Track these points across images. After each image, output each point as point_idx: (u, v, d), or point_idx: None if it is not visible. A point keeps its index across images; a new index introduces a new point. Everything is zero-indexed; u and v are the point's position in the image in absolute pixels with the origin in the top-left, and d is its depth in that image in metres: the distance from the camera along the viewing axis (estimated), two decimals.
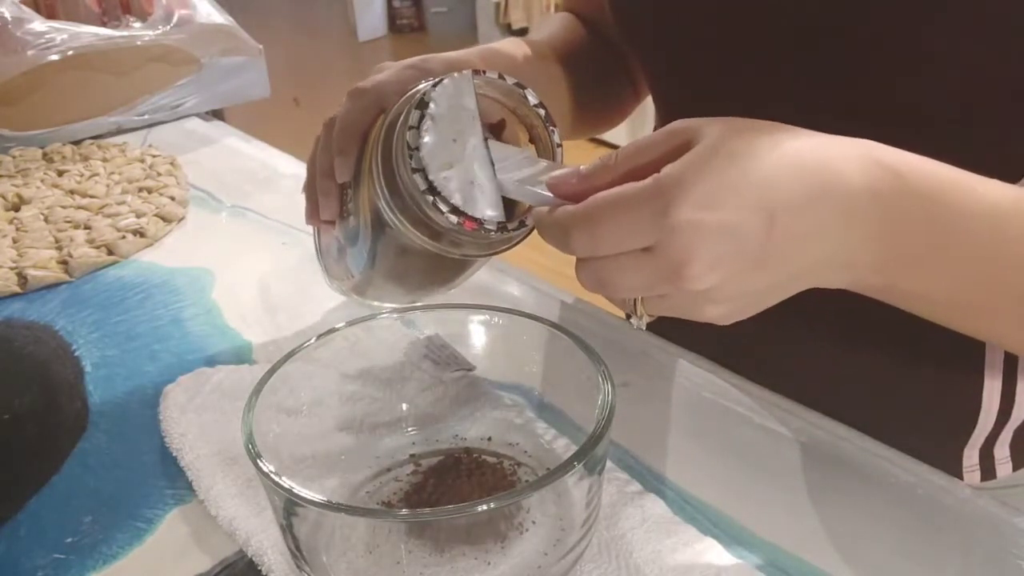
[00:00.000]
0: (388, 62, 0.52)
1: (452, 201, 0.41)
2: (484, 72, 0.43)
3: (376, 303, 0.56)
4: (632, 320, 0.38)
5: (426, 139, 0.41)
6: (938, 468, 0.49)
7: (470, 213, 0.41)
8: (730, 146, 0.35)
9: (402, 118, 0.42)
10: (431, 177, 0.40)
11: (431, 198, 0.40)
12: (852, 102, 0.50)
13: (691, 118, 0.37)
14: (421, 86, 0.43)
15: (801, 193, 0.35)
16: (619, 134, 2.68)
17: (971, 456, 0.58)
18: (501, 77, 0.44)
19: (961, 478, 0.59)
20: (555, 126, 0.45)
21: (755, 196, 0.34)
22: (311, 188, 0.53)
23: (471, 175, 0.41)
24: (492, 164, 0.42)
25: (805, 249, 0.36)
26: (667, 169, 0.35)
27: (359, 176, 0.48)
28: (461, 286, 0.53)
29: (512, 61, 0.59)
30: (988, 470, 0.59)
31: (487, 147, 0.42)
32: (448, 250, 0.44)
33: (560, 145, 0.45)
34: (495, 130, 0.45)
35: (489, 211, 0.42)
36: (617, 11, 0.60)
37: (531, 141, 0.46)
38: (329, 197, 0.52)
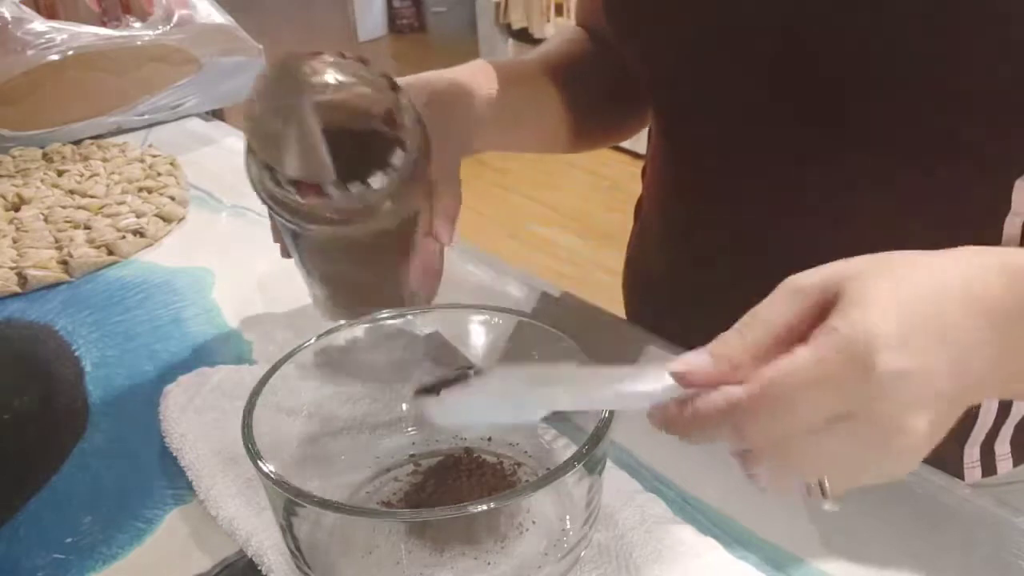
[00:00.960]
0: None
1: (287, 171, 0.41)
2: (321, 53, 0.44)
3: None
4: (824, 505, 0.34)
5: (256, 115, 0.42)
6: (939, 465, 0.49)
7: (303, 179, 0.41)
8: (889, 287, 0.32)
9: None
10: (261, 155, 0.41)
11: (267, 172, 0.41)
12: (852, 107, 0.50)
13: (802, 274, 0.34)
14: None
15: (966, 311, 0.33)
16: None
17: (972, 453, 0.58)
18: (341, 55, 0.44)
19: (962, 475, 0.59)
20: (398, 88, 0.45)
21: (936, 330, 0.32)
22: None
23: (299, 146, 0.41)
24: (322, 132, 0.42)
25: (976, 364, 0.34)
26: (842, 327, 0.31)
27: None
28: (459, 286, 0.53)
29: (479, 84, 0.59)
30: (989, 467, 0.59)
31: (317, 118, 0.42)
32: (332, 229, 0.45)
33: (411, 104, 0.45)
34: (387, 121, 0.45)
35: (323, 174, 0.41)
36: (613, 21, 0.61)
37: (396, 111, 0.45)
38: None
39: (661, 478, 0.48)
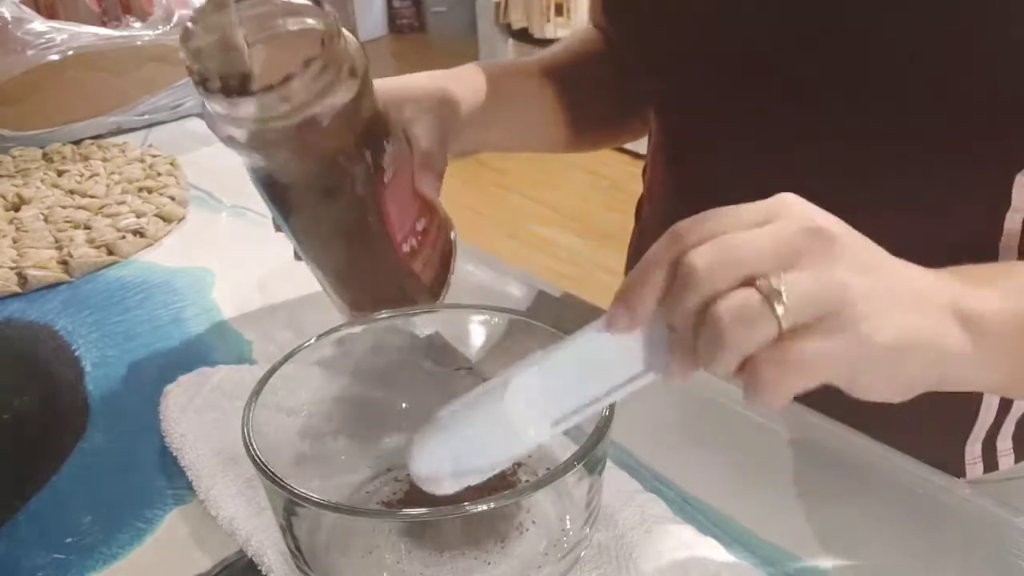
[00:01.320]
0: None
1: (210, 68, 0.43)
2: None
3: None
4: (777, 308, 0.32)
5: (189, 36, 0.44)
6: (941, 461, 0.49)
7: (226, 75, 0.43)
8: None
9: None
10: (194, 68, 0.44)
11: (202, 88, 0.43)
12: (852, 105, 0.50)
13: None
14: None
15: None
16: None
17: (973, 449, 0.58)
18: None
19: (964, 471, 0.59)
20: (322, 4, 0.46)
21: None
22: None
23: (222, 49, 0.44)
24: (245, 39, 0.44)
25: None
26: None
27: None
28: (459, 286, 0.53)
29: (474, 81, 0.59)
30: (990, 463, 0.59)
31: (240, 27, 0.44)
32: (287, 160, 0.47)
33: (334, 15, 0.46)
34: (308, 31, 0.46)
35: (242, 66, 0.43)
36: (612, 20, 0.61)
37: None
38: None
39: (661, 478, 0.48)
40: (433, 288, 0.57)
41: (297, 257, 0.57)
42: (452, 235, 0.59)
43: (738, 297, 0.32)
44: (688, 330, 0.33)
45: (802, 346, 0.32)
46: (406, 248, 0.53)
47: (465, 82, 0.58)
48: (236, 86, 0.43)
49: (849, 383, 0.33)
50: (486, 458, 0.37)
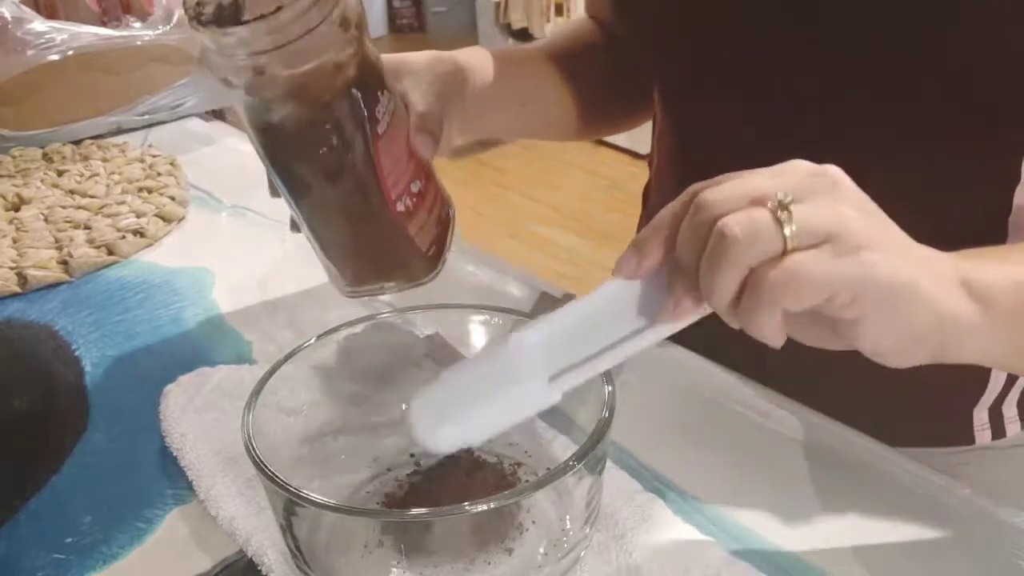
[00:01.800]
0: None
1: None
2: None
3: (367, 289, 0.56)
4: (784, 227, 0.33)
5: None
6: (951, 428, 0.49)
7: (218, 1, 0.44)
8: None
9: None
10: (187, 3, 0.44)
11: (196, 23, 0.44)
12: (861, 86, 0.50)
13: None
14: None
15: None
16: (617, 136, 2.67)
17: (981, 416, 0.59)
18: None
19: (973, 438, 0.59)
20: None
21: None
22: None
23: None
24: None
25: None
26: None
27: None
28: (459, 286, 0.52)
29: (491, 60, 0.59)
30: (998, 429, 0.59)
31: None
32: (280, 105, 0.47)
33: None
34: None
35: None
36: (620, 14, 0.61)
37: None
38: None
39: (661, 478, 0.48)
40: (430, 255, 0.56)
41: (294, 228, 0.57)
42: (451, 212, 0.59)
43: (746, 212, 0.33)
44: (692, 255, 0.34)
45: (804, 258, 0.32)
46: (400, 207, 0.52)
47: (471, 59, 0.58)
48: (228, 16, 0.43)
49: (846, 313, 0.33)
50: (484, 414, 0.37)
